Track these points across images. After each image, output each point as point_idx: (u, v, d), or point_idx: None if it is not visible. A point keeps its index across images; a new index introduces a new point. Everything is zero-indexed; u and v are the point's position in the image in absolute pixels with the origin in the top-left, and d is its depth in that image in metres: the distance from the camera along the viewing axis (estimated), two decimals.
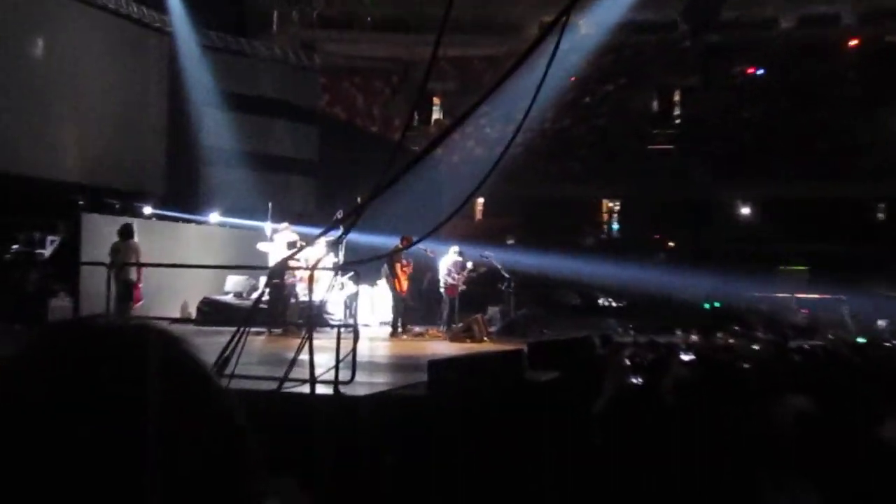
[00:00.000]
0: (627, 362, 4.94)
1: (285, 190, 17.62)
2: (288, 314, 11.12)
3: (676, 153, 22.73)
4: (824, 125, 21.30)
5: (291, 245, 11.94)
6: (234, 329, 4.62)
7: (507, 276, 13.69)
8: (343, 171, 17.48)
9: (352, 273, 9.71)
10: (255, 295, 12.96)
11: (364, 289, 13.60)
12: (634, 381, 4.07)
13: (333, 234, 10.04)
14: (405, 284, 12.22)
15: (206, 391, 0.71)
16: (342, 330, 5.87)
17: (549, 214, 22.04)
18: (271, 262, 11.75)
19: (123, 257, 10.20)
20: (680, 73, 23.11)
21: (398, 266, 12.13)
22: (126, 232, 10.65)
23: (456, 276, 12.96)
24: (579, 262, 18.73)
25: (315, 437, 4.24)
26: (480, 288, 13.67)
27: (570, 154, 22.65)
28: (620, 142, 22.75)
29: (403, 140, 3.81)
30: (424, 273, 15.13)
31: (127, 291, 10.13)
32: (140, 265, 10.27)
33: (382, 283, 13.26)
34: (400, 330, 12.05)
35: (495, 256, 13.66)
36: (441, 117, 24.14)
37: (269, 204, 12.54)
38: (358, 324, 5.94)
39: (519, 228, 22.79)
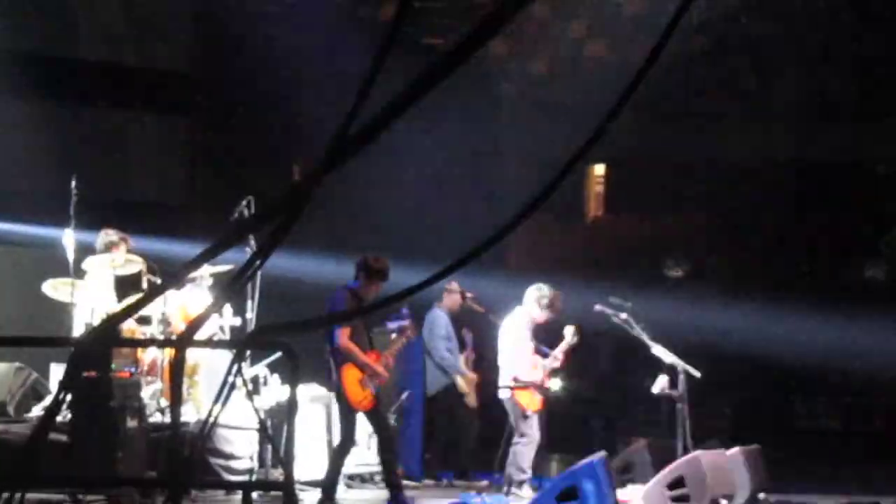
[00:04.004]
0: None
1: (118, 149, 17.86)
2: (122, 456, 11.20)
3: None
4: None
5: (128, 285, 12.01)
6: None
7: (666, 360, 13.70)
8: (256, 105, 17.66)
9: (277, 354, 9.65)
10: (38, 410, 13.11)
11: (310, 395, 13.66)
12: None
13: (234, 260, 10.14)
14: (366, 393, 12.08)
15: None
16: (257, 497, 5.88)
17: (770, 207, 22.02)
18: (79, 328, 12.03)
19: None
20: None
21: (345, 334, 12.00)
22: None
23: (544, 359, 13.08)
24: (858, 324, 18.71)
25: None
26: (597, 391, 13.75)
27: (823, 59, 22.65)
28: None
29: (404, 22, 3.85)
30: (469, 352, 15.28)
31: None
32: None
33: None
34: (334, 493, 12.04)
35: (633, 312, 13.68)
36: None
37: (73, 184, 12.69)
38: (294, 479, 5.89)
39: (696, 241, 22.79)
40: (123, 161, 17.72)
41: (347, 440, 12.23)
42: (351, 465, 13.23)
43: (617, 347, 14.55)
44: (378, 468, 14.34)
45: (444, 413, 15.39)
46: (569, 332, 13.35)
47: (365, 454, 13.47)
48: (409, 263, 11.92)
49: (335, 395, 12.29)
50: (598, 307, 13.61)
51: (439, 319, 14.91)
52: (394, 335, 12.83)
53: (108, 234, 12.49)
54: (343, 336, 11.92)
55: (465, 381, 15.02)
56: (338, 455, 12.18)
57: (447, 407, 15.31)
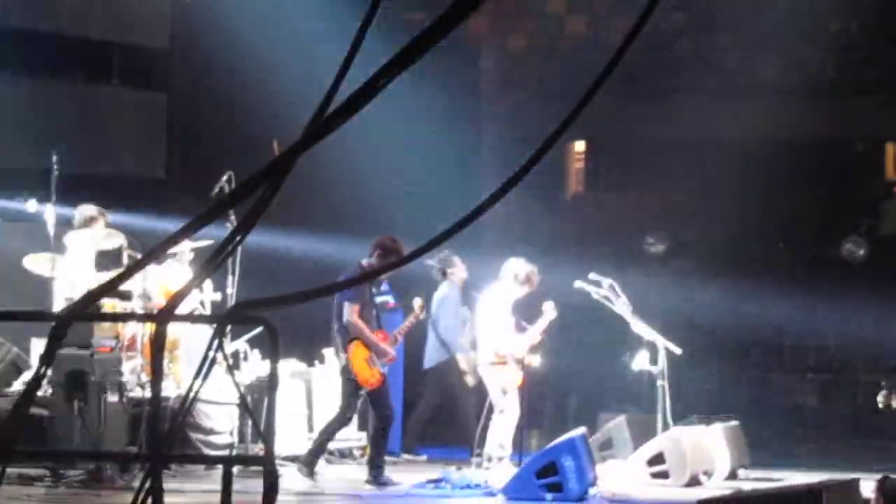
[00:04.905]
0: None
1: (97, 125, 17.80)
2: (101, 429, 11.18)
3: None
4: None
5: (108, 260, 11.98)
6: None
7: (646, 336, 13.71)
8: (235, 80, 17.60)
9: (257, 330, 9.66)
10: (18, 384, 13.08)
11: (290, 370, 13.64)
12: None
13: (215, 235, 10.14)
14: (374, 371, 12.24)
15: None
16: (237, 472, 5.87)
17: (750, 184, 21.97)
18: (59, 302, 12.04)
19: None
20: None
21: (354, 311, 12.17)
22: None
23: (523, 335, 13.07)
24: (837, 301, 18.74)
25: None
26: (577, 367, 13.68)
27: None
28: None
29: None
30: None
31: None
32: None
33: (332, 361, 13.35)
34: (315, 464, 12.29)
35: (613, 288, 13.66)
36: None
37: (54, 157, 12.65)
38: (274, 454, 5.90)
39: (676, 218, 22.72)
40: (103, 136, 17.63)
41: (346, 416, 12.29)
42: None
43: (596, 323, 14.48)
44: (357, 444, 14.37)
45: (437, 387, 15.38)
46: (548, 308, 13.29)
47: (345, 430, 13.49)
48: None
49: (341, 371, 12.35)
50: (577, 283, 13.58)
51: (451, 296, 14.86)
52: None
53: (86, 210, 12.44)
54: (353, 313, 11.97)
55: (466, 361, 14.94)
56: (331, 429, 12.23)
57: (441, 382, 15.28)
